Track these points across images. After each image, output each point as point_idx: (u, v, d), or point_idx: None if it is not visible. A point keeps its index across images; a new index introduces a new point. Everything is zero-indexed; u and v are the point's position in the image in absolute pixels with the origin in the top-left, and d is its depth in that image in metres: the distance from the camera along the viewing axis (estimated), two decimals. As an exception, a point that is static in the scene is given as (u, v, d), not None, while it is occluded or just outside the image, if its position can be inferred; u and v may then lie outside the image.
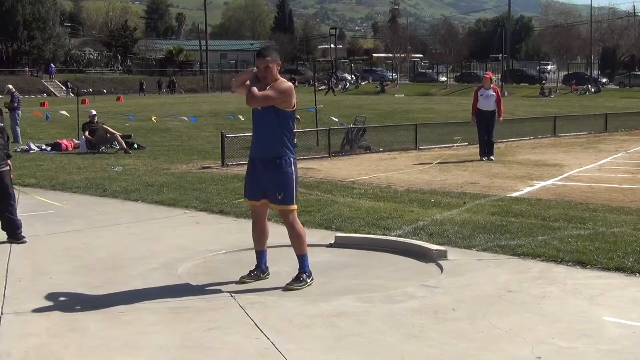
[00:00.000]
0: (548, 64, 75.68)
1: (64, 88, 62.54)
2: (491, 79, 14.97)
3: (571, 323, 4.63)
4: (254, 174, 5.63)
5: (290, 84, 5.59)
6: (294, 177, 5.55)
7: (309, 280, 5.60)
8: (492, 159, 14.29)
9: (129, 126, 22.90)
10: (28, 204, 9.29)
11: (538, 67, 68.60)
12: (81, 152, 16.81)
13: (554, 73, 66.64)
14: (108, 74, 72.01)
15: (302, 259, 5.66)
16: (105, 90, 58.21)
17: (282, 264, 6.21)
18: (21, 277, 5.84)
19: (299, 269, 5.64)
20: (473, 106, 14.74)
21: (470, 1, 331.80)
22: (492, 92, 14.49)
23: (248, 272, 5.80)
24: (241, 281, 5.70)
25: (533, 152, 16.22)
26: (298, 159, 14.54)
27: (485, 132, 14.54)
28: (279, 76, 5.56)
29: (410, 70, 79.48)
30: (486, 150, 14.53)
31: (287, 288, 5.49)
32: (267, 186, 5.51)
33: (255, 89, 5.35)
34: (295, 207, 5.61)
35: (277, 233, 7.45)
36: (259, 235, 5.85)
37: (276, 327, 4.56)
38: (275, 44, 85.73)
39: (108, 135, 16.94)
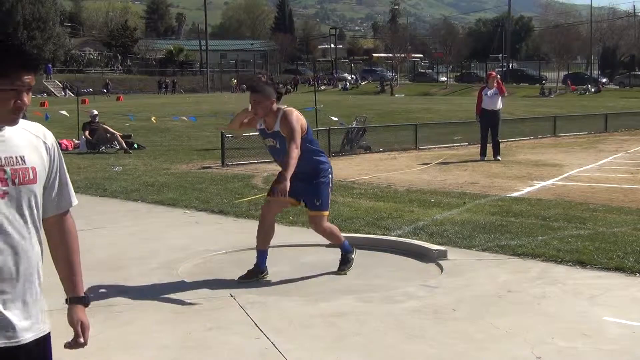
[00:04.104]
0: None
1: (62, 87, 62.51)
2: (495, 78, 14.85)
3: (571, 323, 4.63)
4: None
5: (296, 113, 5.60)
6: (330, 184, 5.88)
7: (353, 256, 6.04)
8: (499, 159, 14.23)
9: (129, 126, 22.90)
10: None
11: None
12: (81, 152, 16.81)
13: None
14: (108, 74, 72.00)
15: (342, 247, 6.02)
16: (105, 90, 58.19)
17: (282, 264, 6.22)
18: (21, 277, 5.84)
19: (342, 255, 6.01)
20: (477, 105, 14.69)
21: (470, 1, 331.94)
22: (496, 91, 14.39)
23: (247, 271, 5.81)
24: (240, 281, 5.71)
25: (533, 152, 16.21)
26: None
27: (487, 132, 14.50)
28: (274, 107, 5.55)
29: (410, 70, 79.46)
30: (493, 151, 14.47)
31: (340, 271, 5.93)
32: (304, 192, 5.69)
33: (292, 162, 5.26)
34: (327, 213, 5.88)
35: (276, 233, 7.46)
36: (268, 233, 5.87)
37: (276, 327, 4.56)
38: (276, 43, 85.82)
39: (108, 135, 16.94)
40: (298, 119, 5.52)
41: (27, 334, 2.11)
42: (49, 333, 2.23)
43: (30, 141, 2.17)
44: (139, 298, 5.25)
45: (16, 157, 2.10)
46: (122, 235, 7.54)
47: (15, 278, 2.09)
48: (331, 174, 5.87)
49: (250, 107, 5.61)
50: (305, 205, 5.83)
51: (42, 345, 2.18)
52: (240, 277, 5.75)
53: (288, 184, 5.16)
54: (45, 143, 2.21)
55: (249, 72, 67.59)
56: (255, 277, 5.77)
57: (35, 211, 2.16)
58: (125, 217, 8.63)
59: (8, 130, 2.10)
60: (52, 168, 2.23)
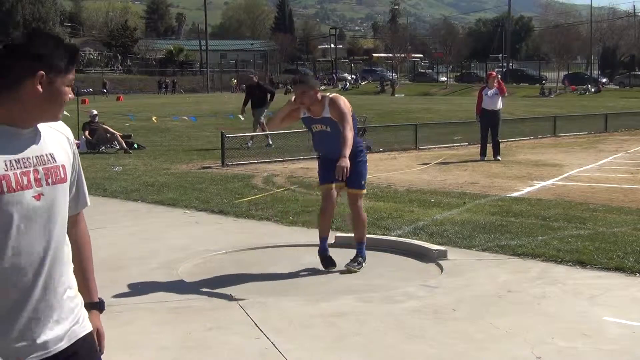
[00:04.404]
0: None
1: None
2: (495, 78, 14.82)
3: (571, 323, 4.63)
4: (331, 163, 5.82)
5: (342, 98, 6.03)
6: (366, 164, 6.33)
7: (364, 264, 6.13)
8: (499, 159, 14.23)
9: (129, 126, 22.90)
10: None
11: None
12: (81, 152, 16.77)
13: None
14: (108, 74, 71.99)
15: (360, 246, 6.21)
16: (105, 90, 58.17)
17: (282, 264, 6.22)
18: (21, 277, 5.83)
19: (357, 253, 6.14)
20: (477, 105, 14.68)
21: (470, 1, 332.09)
22: (496, 91, 14.38)
23: (322, 262, 6.08)
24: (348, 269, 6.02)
25: (533, 152, 16.21)
26: (298, 159, 14.48)
27: (487, 132, 14.49)
28: (319, 96, 5.92)
29: (410, 70, 79.46)
30: (493, 151, 14.46)
31: (347, 270, 6.02)
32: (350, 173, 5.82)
33: (349, 143, 5.69)
34: (365, 191, 6.37)
35: (276, 233, 7.47)
36: (331, 218, 6.31)
37: (276, 327, 4.56)
38: (276, 43, 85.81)
39: (108, 135, 16.94)
40: (345, 103, 5.92)
41: (60, 343, 1.99)
42: (89, 332, 2.11)
43: (56, 138, 2.06)
44: (139, 298, 5.25)
45: (47, 155, 1.98)
46: (122, 235, 7.54)
47: (48, 282, 1.96)
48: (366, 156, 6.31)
49: (293, 99, 5.96)
50: (347, 184, 6.05)
51: (79, 350, 2.04)
52: (325, 266, 6.05)
53: (348, 162, 5.53)
54: (68, 139, 2.11)
55: (249, 72, 67.56)
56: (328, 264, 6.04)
57: (65, 212, 2.05)
58: (125, 217, 8.63)
59: (37, 127, 2.00)
60: (75, 165, 2.12)
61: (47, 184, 1.97)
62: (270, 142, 16.52)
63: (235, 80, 66.58)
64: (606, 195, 9.75)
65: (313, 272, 5.95)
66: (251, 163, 13.75)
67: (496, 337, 4.39)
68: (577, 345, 4.25)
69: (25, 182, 1.91)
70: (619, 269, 5.84)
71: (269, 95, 17.39)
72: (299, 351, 4.19)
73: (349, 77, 70.79)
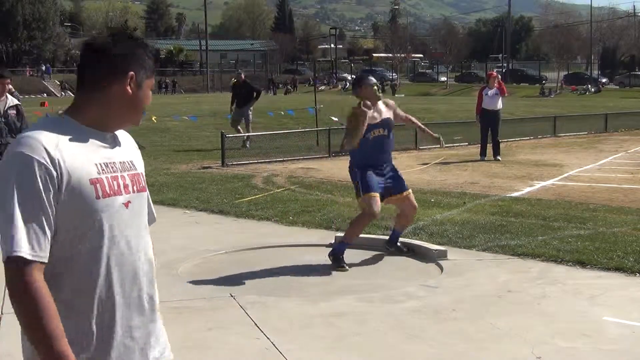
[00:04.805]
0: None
1: (62, 87, 62.43)
2: (496, 78, 14.82)
3: (571, 323, 4.63)
4: (381, 174, 6.15)
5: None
6: None
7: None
8: (499, 159, 14.23)
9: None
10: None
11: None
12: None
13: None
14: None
15: (397, 233, 6.57)
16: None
17: (282, 264, 6.22)
18: (21, 277, 5.83)
19: (397, 239, 6.55)
20: (477, 105, 14.68)
21: (470, 1, 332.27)
22: (496, 91, 14.37)
23: (333, 263, 6.12)
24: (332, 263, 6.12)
25: (533, 152, 16.20)
26: (298, 159, 14.49)
27: (487, 132, 14.49)
28: None
29: (410, 70, 79.44)
30: (493, 151, 14.46)
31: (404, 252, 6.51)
32: (392, 180, 6.20)
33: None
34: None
35: (276, 233, 7.47)
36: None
37: (276, 327, 4.56)
38: (276, 43, 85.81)
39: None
40: None
41: None
42: None
43: (132, 145, 1.94)
44: (139, 298, 5.25)
45: (129, 162, 1.86)
46: (122, 235, 7.53)
47: (142, 298, 1.85)
48: None
49: (362, 104, 6.00)
50: (396, 191, 6.25)
51: None
52: (336, 265, 6.09)
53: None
54: (135, 146, 1.98)
55: (249, 72, 67.58)
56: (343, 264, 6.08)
57: (147, 223, 1.92)
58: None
59: (118, 132, 1.89)
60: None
61: (134, 191, 1.84)
62: (248, 146, 16.06)
63: (235, 80, 66.56)
64: (606, 195, 9.75)
65: (313, 272, 5.95)
66: (251, 163, 13.75)
67: (496, 337, 4.39)
68: (577, 345, 4.26)
69: (116, 188, 1.78)
70: (619, 269, 5.84)
71: (254, 93, 17.40)
72: (299, 351, 4.19)
73: (349, 77, 70.69)
